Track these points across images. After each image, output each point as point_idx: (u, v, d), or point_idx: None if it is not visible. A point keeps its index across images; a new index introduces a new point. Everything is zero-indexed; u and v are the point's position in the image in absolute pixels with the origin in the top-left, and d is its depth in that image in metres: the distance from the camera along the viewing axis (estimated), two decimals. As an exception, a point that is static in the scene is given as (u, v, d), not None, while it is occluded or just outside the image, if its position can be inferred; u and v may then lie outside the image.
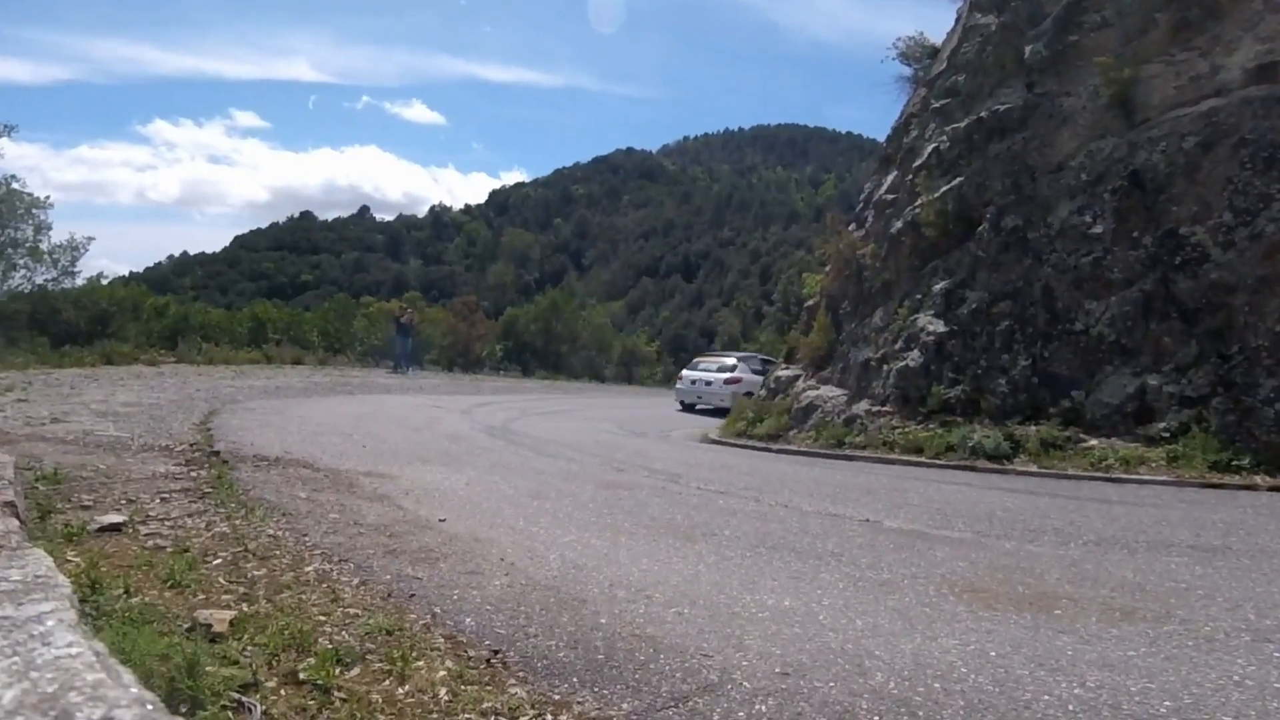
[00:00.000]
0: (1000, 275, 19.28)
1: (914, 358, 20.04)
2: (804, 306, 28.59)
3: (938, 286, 20.47)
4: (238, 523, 8.96)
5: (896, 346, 20.73)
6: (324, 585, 7.05)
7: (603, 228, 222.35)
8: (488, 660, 5.69)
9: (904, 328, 20.77)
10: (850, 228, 25.90)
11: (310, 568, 7.56)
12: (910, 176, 22.58)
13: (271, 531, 8.74)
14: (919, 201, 21.51)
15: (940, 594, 7.43)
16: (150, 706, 2.64)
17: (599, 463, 16.27)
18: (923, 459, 17.71)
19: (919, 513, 11.61)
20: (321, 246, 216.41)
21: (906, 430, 19.10)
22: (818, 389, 23.00)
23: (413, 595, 6.97)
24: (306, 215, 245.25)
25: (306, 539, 8.59)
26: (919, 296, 20.91)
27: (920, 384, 19.70)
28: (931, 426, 18.81)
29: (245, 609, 6.24)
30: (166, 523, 8.71)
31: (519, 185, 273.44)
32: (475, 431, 20.69)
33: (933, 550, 9.16)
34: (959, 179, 20.76)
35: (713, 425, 26.60)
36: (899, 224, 22.22)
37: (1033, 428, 17.27)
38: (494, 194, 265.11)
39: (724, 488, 13.61)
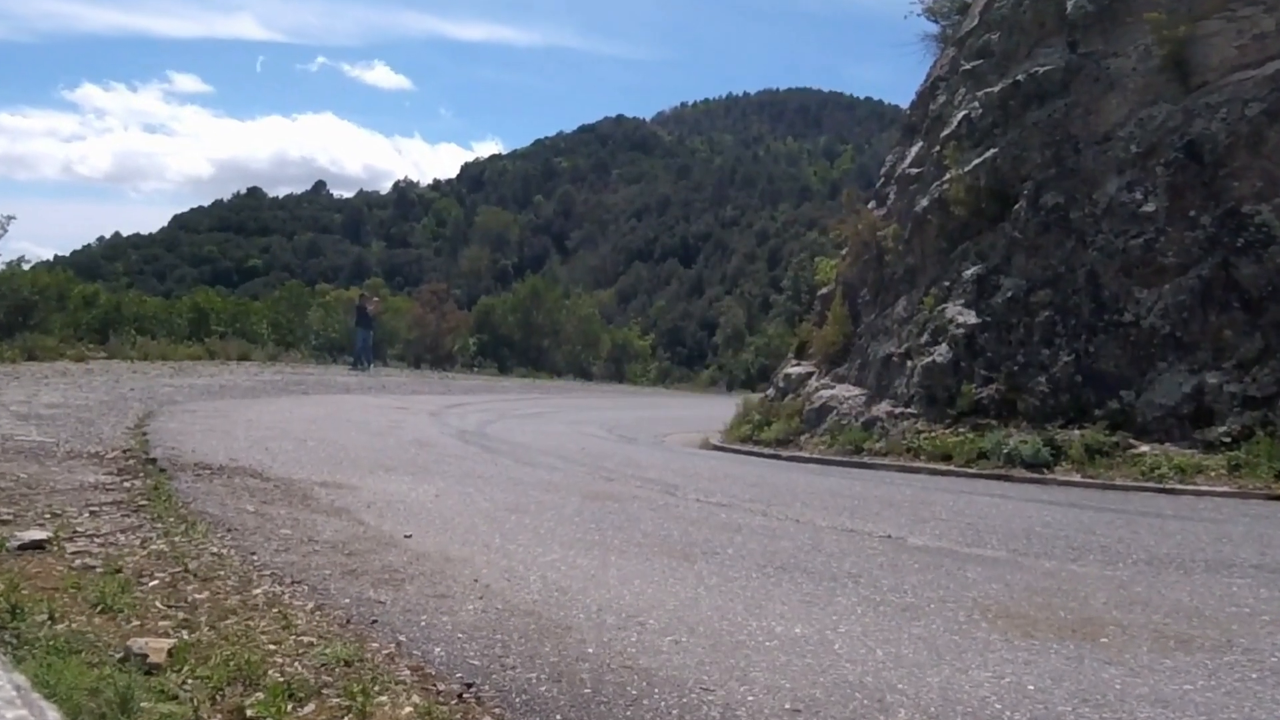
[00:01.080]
0: (1039, 260, 19.29)
1: (941, 353, 20.05)
2: (817, 295, 28.62)
3: (968, 272, 20.48)
4: (177, 539, 8.95)
5: (922, 340, 20.73)
6: (274, 610, 7.04)
7: (590, 206, 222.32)
8: (459, 695, 5.68)
9: (930, 319, 20.77)
10: (870, 206, 25.93)
11: (259, 590, 7.55)
12: (937, 148, 22.59)
13: (215, 549, 8.74)
14: (947, 176, 21.52)
15: (971, 620, 7.43)
16: (78, 747, 2.64)
17: (585, 472, 16.26)
18: (951, 467, 17.73)
19: (947, 528, 11.62)
20: (271, 227, 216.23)
21: (933, 435, 19.11)
22: (832, 388, 23.02)
23: (375, 621, 6.96)
24: (254, 192, 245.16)
25: (255, 558, 8.58)
26: (947, 284, 20.92)
27: (948, 382, 19.70)
28: (961, 430, 18.82)
29: (185, 637, 6.23)
30: (96, 539, 8.70)
31: (495, 158, 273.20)
32: (446, 436, 20.70)
33: (963, 570, 9.16)
34: (992, 151, 20.77)
35: (714, 429, 26.59)
36: (925, 202, 22.24)
37: (1076, 432, 17.27)
38: (466, 168, 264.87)
39: (727, 500, 13.61)
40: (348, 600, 7.45)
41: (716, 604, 7.72)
